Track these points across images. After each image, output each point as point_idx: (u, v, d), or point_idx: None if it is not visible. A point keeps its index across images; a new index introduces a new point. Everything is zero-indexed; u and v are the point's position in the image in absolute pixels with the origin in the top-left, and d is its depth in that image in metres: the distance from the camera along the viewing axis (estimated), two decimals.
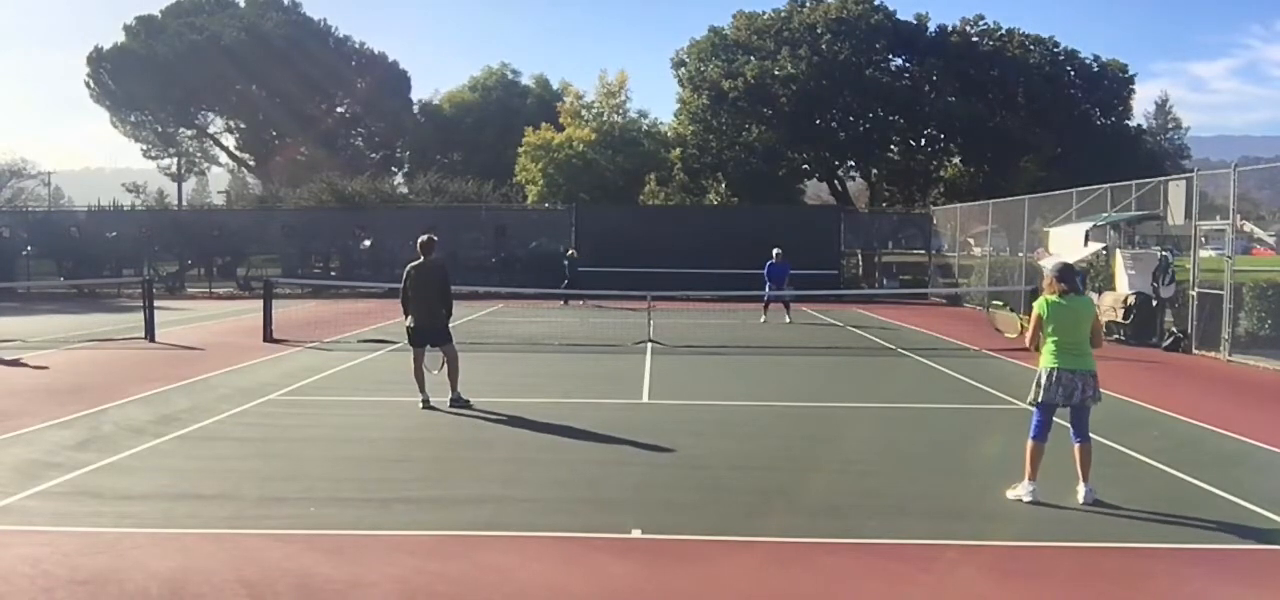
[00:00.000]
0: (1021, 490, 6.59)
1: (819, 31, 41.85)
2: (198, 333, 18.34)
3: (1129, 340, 17.08)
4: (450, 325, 10.45)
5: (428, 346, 10.20)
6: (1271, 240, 30.35)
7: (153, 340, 16.45)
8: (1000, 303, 7.72)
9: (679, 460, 7.88)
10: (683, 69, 45.41)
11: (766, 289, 20.64)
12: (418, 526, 5.99)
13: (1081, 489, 6.55)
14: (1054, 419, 6.71)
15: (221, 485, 6.91)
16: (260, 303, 17.52)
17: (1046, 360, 6.59)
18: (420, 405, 9.93)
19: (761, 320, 20.63)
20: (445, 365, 10.16)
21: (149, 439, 8.42)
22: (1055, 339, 6.56)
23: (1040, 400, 6.60)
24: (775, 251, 20.73)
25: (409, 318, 10.23)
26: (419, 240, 10.33)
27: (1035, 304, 6.77)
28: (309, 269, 33.31)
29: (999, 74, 42.48)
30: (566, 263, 26.84)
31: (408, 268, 10.26)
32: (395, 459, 7.84)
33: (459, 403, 10.01)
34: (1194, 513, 6.44)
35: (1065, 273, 6.72)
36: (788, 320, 20.69)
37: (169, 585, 4.95)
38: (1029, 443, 6.64)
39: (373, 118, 57.93)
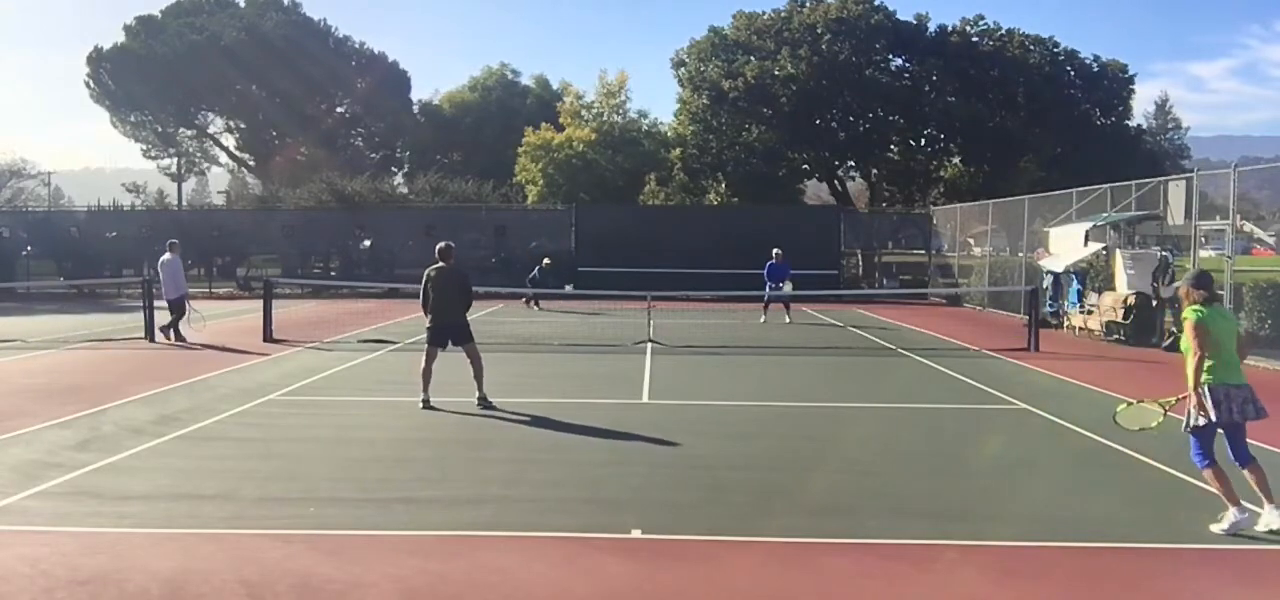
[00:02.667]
0: (1230, 519, 5.91)
1: (819, 31, 41.85)
2: (198, 333, 18.32)
3: (1129, 340, 17.09)
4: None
5: (448, 345, 10.31)
6: (1271, 240, 30.37)
7: (153, 340, 16.45)
8: (1128, 403, 6.64)
9: (679, 460, 7.87)
10: (683, 69, 45.43)
11: (767, 289, 20.65)
12: (418, 526, 5.99)
13: (1270, 514, 5.88)
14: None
15: (221, 485, 6.91)
16: (260, 303, 17.52)
17: (1216, 374, 5.92)
18: (420, 404, 9.94)
19: (761, 320, 20.64)
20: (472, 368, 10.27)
21: (149, 439, 8.42)
22: (1217, 351, 5.95)
23: (1211, 421, 5.90)
24: (775, 252, 20.74)
25: (429, 317, 10.34)
26: (438, 247, 10.46)
27: (1190, 313, 6.02)
28: (309, 269, 33.33)
29: (999, 74, 42.50)
30: (538, 271, 26.00)
31: (427, 271, 10.39)
32: (395, 459, 7.84)
33: (486, 404, 10.06)
34: (1194, 513, 6.44)
35: (1204, 280, 6.22)
36: (787, 320, 20.70)
37: (169, 585, 4.95)
38: (1207, 472, 6.01)
39: (373, 118, 57.94)
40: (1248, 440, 6.10)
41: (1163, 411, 6.48)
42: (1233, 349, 6.02)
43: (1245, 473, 6.00)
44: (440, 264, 10.33)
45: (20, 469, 7.33)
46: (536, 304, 24.66)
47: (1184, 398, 6.06)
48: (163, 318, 16.92)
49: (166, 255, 17.25)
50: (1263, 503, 5.92)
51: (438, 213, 34.75)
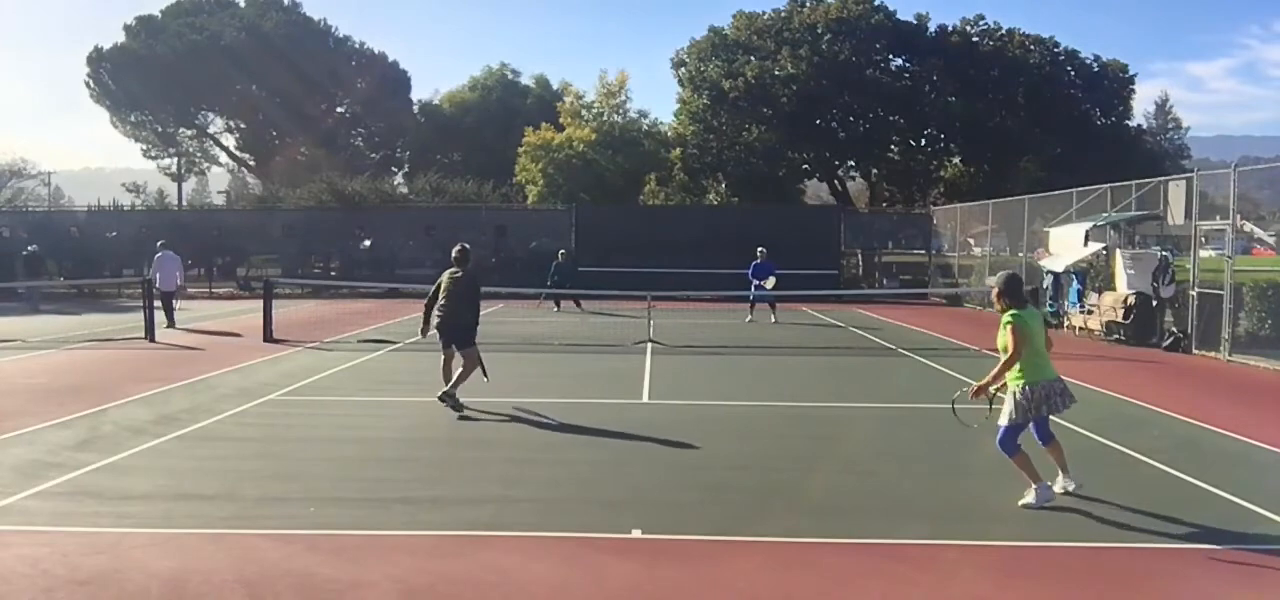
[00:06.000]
0: (1034, 495, 6.41)
1: (819, 31, 41.87)
2: (197, 333, 18.33)
3: (1129, 340, 17.09)
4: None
5: (454, 347, 10.17)
6: (1271, 240, 30.36)
7: (153, 340, 16.45)
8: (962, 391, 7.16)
9: (679, 460, 7.87)
10: (683, 69, 45.45)
11: (752, 289, 20.66)
12: (418, 526, 5.99)
13: (1063, 482, 6.60)
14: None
15: (221, 485, 6.91)
16: (260, 303, 17.52)
17: (1030, 374, 6.34)
18: (438, 396, 9.86)
19: (748, 320, 20.68)
20: (478, 370, 10.10)
21: (149, 439, 8.42)
22: (1038, 350, 6.41)
23: (1026, 419, 6.39)
24: (760, 250, 20.79)
25: (436, 317, 10.11)
26: (454, 250, 10.26)
27: (1010, 318, 6.40)
28: (309, 269, 33.32)
29: (999, 74, 42.52)
30: (555, 268, 24.68)
31: (444, 274, 10.21)
32: (395, 459, 7.84)
33: (449, 399, 9.78)
34: (1194, 513, 6.44)
35: (1014, 284, 6.56)
36: (773, 320, 20.71)
37: (169, 585, 4.95)
38: (1016, 460, 6.46)
39: (373, 118, 57.94)
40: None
41: (988, 407, 6.69)
42: (1043, 348, 6.46)
43: (1048, 449, 6.64)
44: (455, 269, 10.11)
45: (20, 469, 7.33)
46: (567, 305, 23.99)
47: (999, 388, 6.52)
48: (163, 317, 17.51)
49: (158, 254, 19.87)
50: (1058, 474, 6.62)
51: (438, 213, 34.76)
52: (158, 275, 19.35)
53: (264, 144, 57.25)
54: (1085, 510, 6.44)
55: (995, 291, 6.60)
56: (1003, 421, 6.43)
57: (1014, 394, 6.37)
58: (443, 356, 10.26)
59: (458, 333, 10.11)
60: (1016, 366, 6.34)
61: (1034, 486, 6.43)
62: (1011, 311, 6.40)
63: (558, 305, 24.09)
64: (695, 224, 33.40)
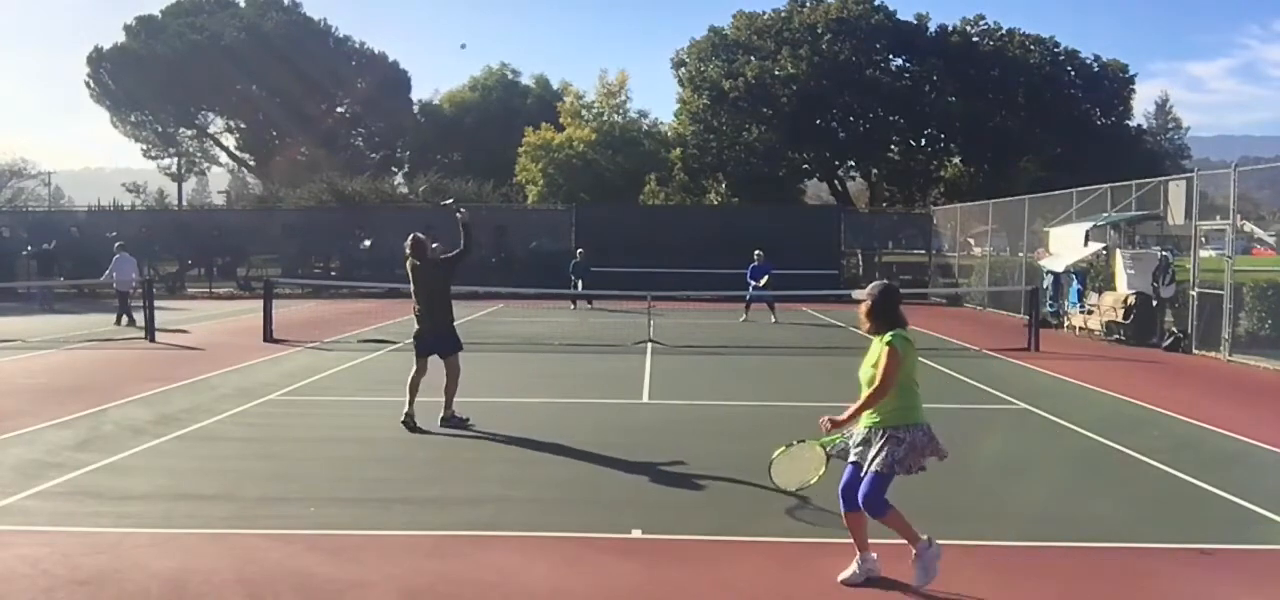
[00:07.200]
0: (856, 569, 5.09)
1: (819, 31, 41.87)
2: (198, 333, 18.33)
3: (1129, 340, 17.09)
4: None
5: (433, 356, 9.13)
6: (1271, 240, 30.32)
7: (153, 340, 16.46)
8: (785, 448, 5.80)
9: (679, 460, 7.86)
10: (683, 69, 45.45)
11: (749, 289, 20.71)
12: (418, 526, 5.98)
13: (858, 564, 5.11)
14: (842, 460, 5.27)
15: (221, 485, 6.91)
16: (260, 303, 17.53)
17: (918, 414, 5.06)
18: (401, 418, 8.86)
19: (742, 320, 20.69)
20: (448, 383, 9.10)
21: (149, 439, 8.42)
22: (915, 384, 5.14)
23: (916, 467, 5.07)
24: (757, 252, 20.86)
25: (415, 324, 9.27)
26: (407, 241, 9.20)
27: (891, 339, 5.04)
28: (309, 269, 33.32)
29: (999, 74, 42.52)
30: (574, 268, 24.93)
31: (408, 268, 9.34)
32: (395, 459, 7.84)
33: (452, 422, 8.95)
34: (1194, 513, 6.44)
35: (894, 297, 5.24)
36: (773, 320, 20.73)
37: (169, 585, 4.94)
38: (894, 513, 5.04)
39: (373, 118, 57.95)
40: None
41: (825, 456, 5.59)
42: (917, 380, 5.16)
43: (848, 518, 5.10)
44: (414, 261, 9.06)
45: (20, 469, 7.33)
46: (586, 303, 24.16)
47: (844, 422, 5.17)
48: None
49: (115, 255, 20.16)
50: (856, 553, 5.13)
51: (438, 213, 34.68)
52: (114, 275, 19.66)
53: (264, 144, 57.26)
54: (1085, 510, 6.44)
55: (865, 307, 5.20)
56: (874, 467, 4.95)
57: (892, 435, 4.96)
58: (414, 370, 9.11)
59: (437, 341, 9.11)
60: (895, 403, 5.01)
61: (916, 547, 5.10)
62: (894, 333, 5.07)
63: (575, 304, 24.16)
64: (695, 224, 33.42)
